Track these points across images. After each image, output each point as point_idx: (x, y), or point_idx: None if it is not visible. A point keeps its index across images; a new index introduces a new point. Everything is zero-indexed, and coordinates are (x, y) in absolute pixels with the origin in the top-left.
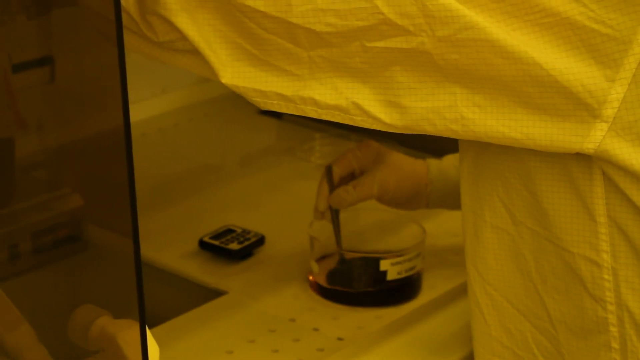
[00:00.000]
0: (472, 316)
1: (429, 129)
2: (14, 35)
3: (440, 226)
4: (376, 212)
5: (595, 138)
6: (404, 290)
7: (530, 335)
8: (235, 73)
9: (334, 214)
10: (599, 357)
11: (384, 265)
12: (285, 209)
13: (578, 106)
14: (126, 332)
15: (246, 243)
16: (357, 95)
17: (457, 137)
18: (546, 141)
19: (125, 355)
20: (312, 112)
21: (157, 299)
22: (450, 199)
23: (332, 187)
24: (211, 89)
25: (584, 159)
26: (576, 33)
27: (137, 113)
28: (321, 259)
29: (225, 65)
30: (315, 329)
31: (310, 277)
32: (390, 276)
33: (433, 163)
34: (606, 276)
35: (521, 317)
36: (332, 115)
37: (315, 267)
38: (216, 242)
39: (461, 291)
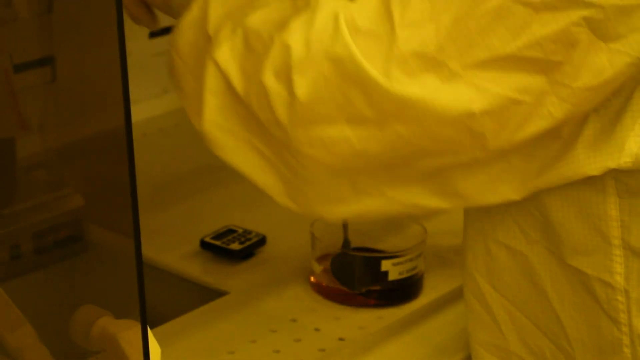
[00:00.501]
0: (488, 331)
1: None
2: (16, 36)
3: (441, 226)
4: None
5: (630, 151)
6: (405, 290)
7: (548, 351)
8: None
9: None
10: None
11: (385, 265)
12: (286, 209)
13: None
14: (127, 333)
15: (247, 243)
16: None
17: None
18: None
19: (126, 356)
20: None
21: (158, 299)
22: None
23: None
24: None
25: (598, 181)
26: None
27: (138, 113)
28: (323, 259)
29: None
30: (317, 329)
31: (312, 277)
32: (392, 276)
33: None
34: (620, 298)
35: (540, 334)
36: None
37: (316, 266)
38: (217, 243)
39: (462, 292)
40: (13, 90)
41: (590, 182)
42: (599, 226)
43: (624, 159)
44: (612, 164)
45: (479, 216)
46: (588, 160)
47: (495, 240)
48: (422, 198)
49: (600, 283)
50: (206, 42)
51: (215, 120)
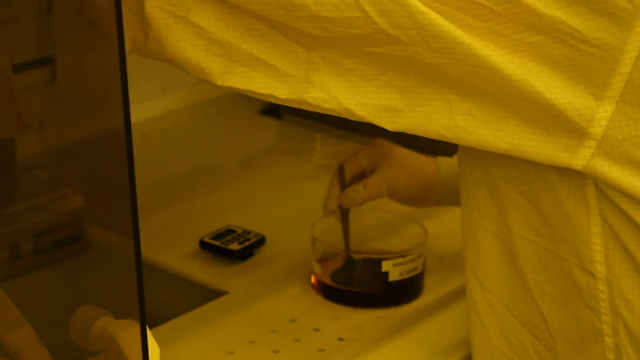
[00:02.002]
0: (471, 325)
1: (421, 133)
2: (15, 36)
3: (441, 227)
4: (378, 213)
5: (583, 155)
6: (405, 291)
7: (530, 345)
8: (229, 74)
9: (344, 214)
10: None
11: (385, 266)
12: (286, 210)
13: (566, 123)
14: (127, 333)
15: (247, 243)
16: (350, 100)
17: (448, 141)
18: (535, 154)
19: (125, 356)
20: (307, 108)
21: (157, 300)
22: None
23: (343, 187)
24: (212, 89)
25: (577, 171)
26: (563, 52)
27: (138, 113)
28: (323, 259)
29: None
30: (316, 330)
31: (313, 278)
32: (392, 277)
33: (444, 161)
34: (600, 287)
35: (521, 327)
36: (326, 112)
37: (317, 267)
38: (217, 243)
39: (462, 292)
40: (13, 90)
41: (570, 172)
42: (580, 214)
43: (574, 162)
44: (568, 162)
45: (470, 204)
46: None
47: (484, 229)
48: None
49: (582, 271)
50: None
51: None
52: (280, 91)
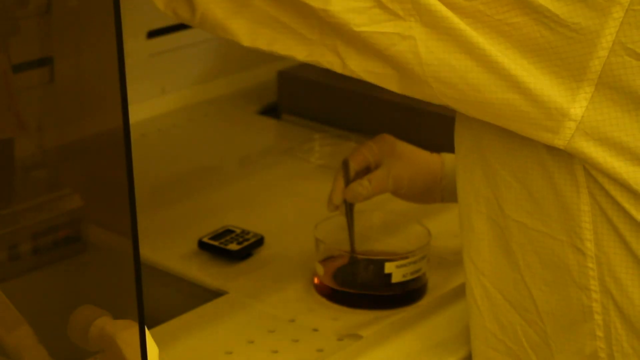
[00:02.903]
0: (468, 308)
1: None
2: (14, 36)
3: (441, 226)
4: (381, 214)
5: (564, 135)
6: (409, 293)
7: (520, 328)
8: (255, 35)
9: (348, 209)
10: (585, 347)
11: (389, 267)
12: (285, 210)
13: (547, 104)
14: (125, 333)
15: (245, 243)
16: (359, 67)
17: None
18: (520, 131)
19: (124, 356)
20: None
21: (156, 300)
22: None
23: (348, 181)
24: (211, 89)
25: (566, 152)
26: (544, 35)
27: (137, 113)
28: (326, 261)
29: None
30: (315, 330)
31: (315, 279)
32: (395, 279)
33: (448, 157)
34: (590, 264)
35: (512, 310)
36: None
37: (320, 269)
38: (215, 243)
39: (462, 292)
40: (12, 90)
41: (561, 152)
42: (570, 192)
43: (557, 141)
44: (551, 139)
45: (466, 187)
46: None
47: (479, 212)
48: (371, 71)
49: (573, 249)
50: None
51: None
52: (299, 53)
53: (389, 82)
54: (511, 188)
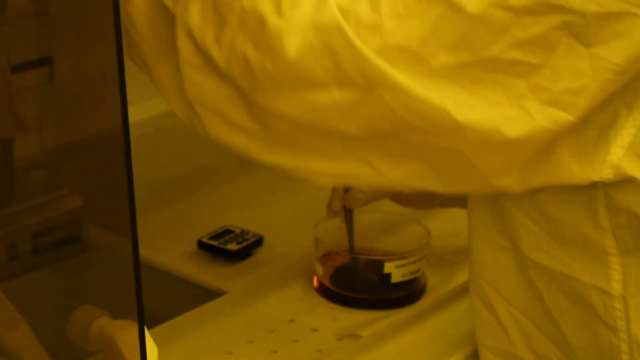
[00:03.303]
0: (496, 337)
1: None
2: (14, 36)
3: (441, 226)
4: (380, 214)
5: (611, 163)
6: (408, 293)
7: (554, 356)
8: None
9: (348, 214)
10: None
11: (388, 267)
12: (284, 210)
13: None
14: (125, 333)
15: (245, 243)
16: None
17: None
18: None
19: (124, 356)
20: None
21: (155, 300)
22: (465, 198)
23: (347, 188)
24: None
25: (588, 192)
26: None
27: (136, 113)
28: (325, 261)
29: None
30: (315, 330)
31: (315, 279)
32: (395, 279)
33: None
34: (617, 305)
35: (545, 339)
36: None
37: (319, 269)
38: (215, 243)
39: (461, 292)
40: (11, 90)
41: (582, 192)
42: (593, 235)
43: (605, 171)
44: (594, 176)
45: (482, 222)
46: (573, 171)
47: (504, 247)
48: (409, 176)
49: (597, 291)
50: (165, 12)
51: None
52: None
53: None
54: (529, 230)
